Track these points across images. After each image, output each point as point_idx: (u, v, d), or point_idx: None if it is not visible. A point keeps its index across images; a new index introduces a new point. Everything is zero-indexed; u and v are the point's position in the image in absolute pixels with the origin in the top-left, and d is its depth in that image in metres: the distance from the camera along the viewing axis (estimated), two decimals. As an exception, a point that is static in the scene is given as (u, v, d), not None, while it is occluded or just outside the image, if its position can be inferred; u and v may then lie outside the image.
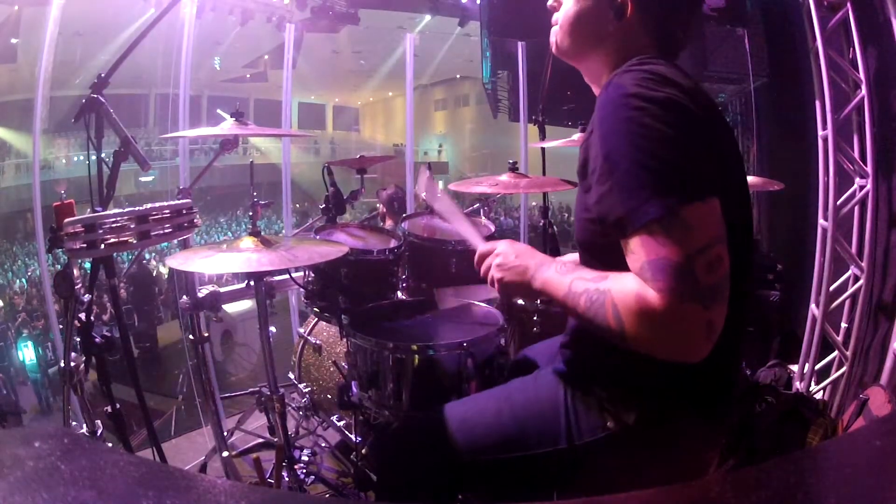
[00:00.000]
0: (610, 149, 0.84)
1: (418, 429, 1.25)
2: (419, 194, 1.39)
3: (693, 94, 0.87)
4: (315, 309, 1.93)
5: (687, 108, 0.84)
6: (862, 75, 2.72)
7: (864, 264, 2.79)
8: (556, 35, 1.06)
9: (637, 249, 0.80)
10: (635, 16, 0.97)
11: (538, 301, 1.37)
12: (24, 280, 11.19)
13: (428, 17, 11.40)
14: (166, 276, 10.85)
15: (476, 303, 1.70)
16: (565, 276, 0.92)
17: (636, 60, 0.93)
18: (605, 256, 0.89)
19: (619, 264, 0.85)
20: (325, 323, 2.26)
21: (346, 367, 1.74)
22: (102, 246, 1.39)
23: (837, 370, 2.89)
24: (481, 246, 1.13)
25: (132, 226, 1.44)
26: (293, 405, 2.23)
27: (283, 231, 4.98)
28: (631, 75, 0.88)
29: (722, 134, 0.95)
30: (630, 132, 0.82)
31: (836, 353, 2.90)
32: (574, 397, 1.04)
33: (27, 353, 7.66)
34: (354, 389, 1.58)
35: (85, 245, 1.37)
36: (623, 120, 0.83)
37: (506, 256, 1.05)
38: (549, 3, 1.06)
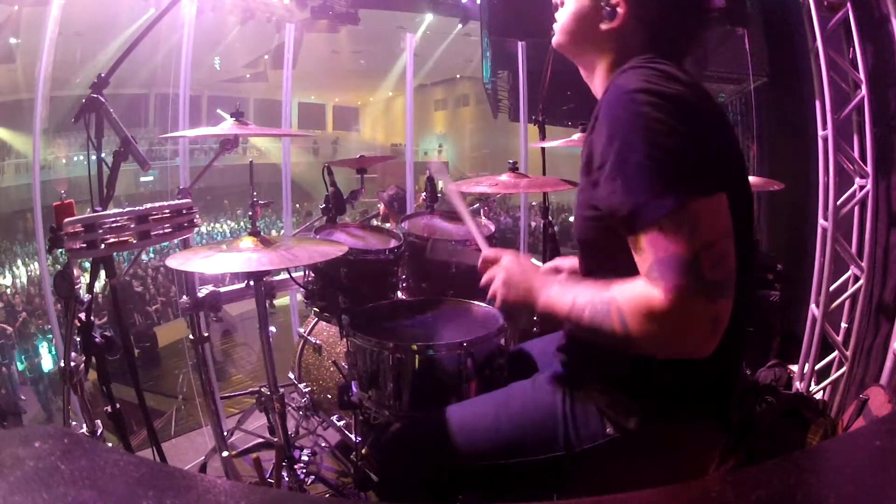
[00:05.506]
0: (622, 143, 0.84)
1: (419, 430, 1.25)
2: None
3: (699, 93, 0.88)
4: (315, 309, 1.93)
5: (696, 105, 0.86)
6: (862, 75, 2.72)
7: (864, 264, 2.78)
8: (556, 33, 1.08)
9: (647, 247, 0.81)
10: (630, 18, 0.97)
11: (535, 318, 1.40)
12: (24, 280, 11.20)
13: (429, 17, 11.43)
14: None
15: (476, 303, 1.70)
16: (568, 292, 0.92)
17: (642, 59, 0.93)
18: (606, 254, 0.89)
19: (620, 262, 0.85)
20: (325, 323, 2.26)
21: (346, 367, 1.73)
22: (102, 246, 1.39)
23: (837, 370, 2.89)
24: (486, 251, 1.15)
25: (132, 226, 1.44)
26: (293, 405, 2.23)
27: (283, 231, 4.98)
28: (638, 72, 0.89)
29: (727, 132, 0.95)
30: (642, 127, 0.82)
31: (836, 353, 2.89)
32: (572, 403, 1.04)
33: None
34: (354, 389, 1.57)
35: (85, 245, 1.37)
36: (634, 115, 0.83)
37: (510, 274, 1.06)
38: (553, 1, 1.08)
